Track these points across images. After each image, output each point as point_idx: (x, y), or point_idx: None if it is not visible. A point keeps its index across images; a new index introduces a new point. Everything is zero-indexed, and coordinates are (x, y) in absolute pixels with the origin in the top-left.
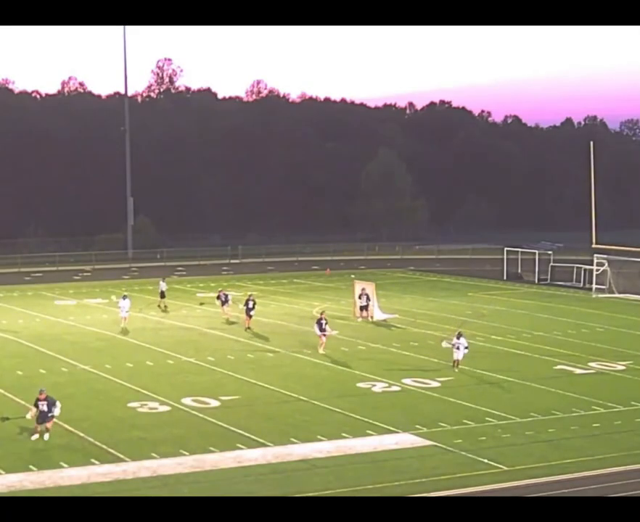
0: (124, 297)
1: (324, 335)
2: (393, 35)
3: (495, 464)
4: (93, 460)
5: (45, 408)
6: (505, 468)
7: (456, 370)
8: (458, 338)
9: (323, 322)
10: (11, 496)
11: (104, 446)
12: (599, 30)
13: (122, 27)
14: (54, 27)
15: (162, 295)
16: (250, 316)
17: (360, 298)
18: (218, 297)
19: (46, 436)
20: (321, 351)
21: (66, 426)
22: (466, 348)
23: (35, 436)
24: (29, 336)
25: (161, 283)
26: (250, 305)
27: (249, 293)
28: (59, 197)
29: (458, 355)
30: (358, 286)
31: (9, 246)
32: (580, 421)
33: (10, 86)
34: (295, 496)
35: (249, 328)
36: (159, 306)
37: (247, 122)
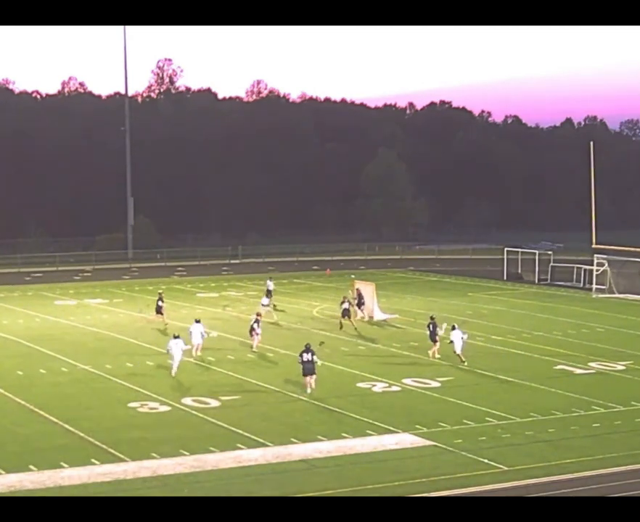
0: (197, 321)
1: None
2: (393, 36)
3: (495, 464)
4: (93, 460)
5: None
6: (505, 468)
7: (464, 364)
8: (452, 329)
9: (256, 324)
10: (11, 496)
11: (104, 446)
12: (599, 30)
13: (122, 27)
14: (54, 27)
15: (269, 294)
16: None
17: (342, 303)
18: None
19: None
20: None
21: (66, 426)
22: (462, 338)
23: None
24: (29, 336)
25: (268, 282)
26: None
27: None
28: (59, 197)
29: (457, 348)
30: (360, 288)
31: (9, 247)
32: (580, 421)
33: (10, 86)
34: (295, 496)
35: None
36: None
37: (247, 122)
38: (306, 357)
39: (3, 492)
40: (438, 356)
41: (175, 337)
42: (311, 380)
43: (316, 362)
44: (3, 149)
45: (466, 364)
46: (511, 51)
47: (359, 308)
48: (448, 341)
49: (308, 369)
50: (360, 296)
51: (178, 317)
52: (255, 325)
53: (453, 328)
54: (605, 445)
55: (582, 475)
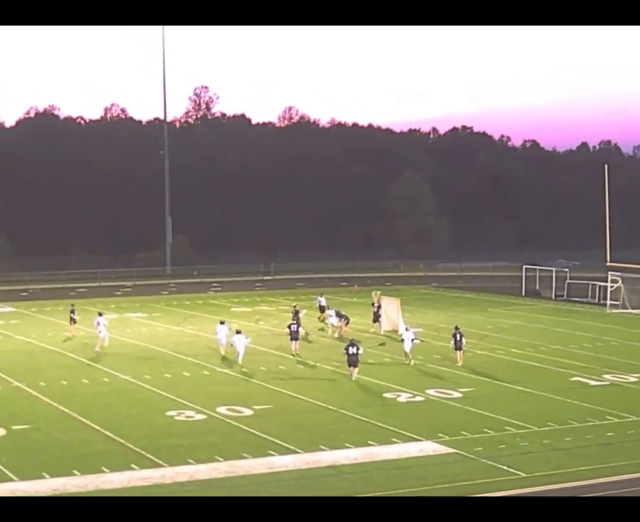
0: (221, 323)
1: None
2: (418, 65)
3: (514, 471)
4: (133, 465)
5: None
6: (523, 475)
7: (407, 363)
8: (406, 330)
9: (294, 327)
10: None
11: (143, 452)
12: (613, 59)
13: (162, 56)
14: (98, 55)
15: (322, 310)
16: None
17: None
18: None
19: None
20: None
21: (107, 433)
22: (412, 340)
23: None
24: (73, 347)
25: (320, 298)
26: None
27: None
28: (102, 217)
29: (406, 347)
30: (385, 303)
31: (55, 263)
32: (594, 430)
33: (56, 112)
34: (323, 496)
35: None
36: (319, 319)
37: (279, 147)
38: (352, 350)
39: (48, 495)
40: (461, 363)
41: (238, 332)
42: (355, 370)
43: (360, 353)
44: (49, 173)
45: (412, 364)
46: (530, 79)
47: (377, 321)
48: (400, 339)
49: (353, 360)
50: (379, 309)
51: (213, 330)
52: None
53: (407, 329)
54: (619, 453)
55: (597, 481)
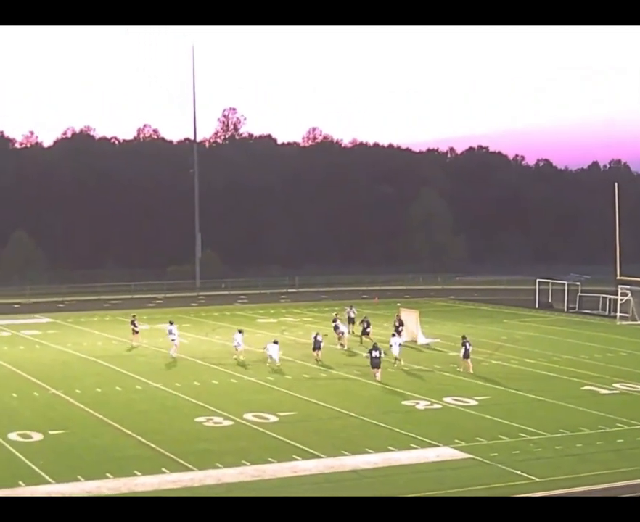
0: (239, 331)
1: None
2: (438, 88)
3: (528, 475)
4: (164, 469)
5: None
6: (536, 479)
7: (401, 364)
8: (392, 336)
9: (319, 337)
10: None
11: (173, 457)
12: (623, 80)
13: (192, 79)
14: (131, 79)
15: (352, 321)
16: (367, 333)
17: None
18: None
19: None
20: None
21: (140, 438)
22: (399, 344)
23: None
24: (107, 356)
25: (349, 310)
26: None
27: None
28: (134, 232)
29: (394, 352)
30: (405, 314)
31: (90, 276)
32: (605, 437)
33: (91, 133)
34: (345, 496)
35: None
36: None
37: (303, 166)
38: (374, 353)
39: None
40: (472, 370)
41: (275, 343)
42: (377, 371)
43: (383, 356)
44: (85, 190)
45: (400, 365)
46: (543, 100)
47: (398, 334)
48: (389, 345)
49: (376, 363)
50: (400, 324)
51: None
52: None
53: (393, 335)
54: (628, 459)
55: (607, 486)
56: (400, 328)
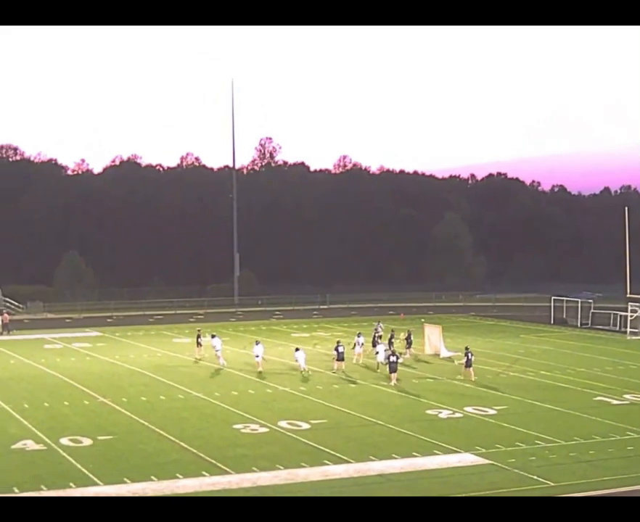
0: (257, 343)
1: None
2: (459, 118)
3: (543, 480)
4: (203, 472)
5: None
6: (552, 484)
7: (379, 370)
8: (376, 345)
9: (341, 348)
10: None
11: (212, 461)
12: (632, 112)
13: (231, 111)
14: (175, 111)
15: (379, 336)
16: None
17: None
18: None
19: None
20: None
21: (181, 444)
22: (385, 350)
23: None
24: (151, 367)
25: (377, 326)
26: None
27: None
28: (177, 252)
29: (381, 358)
30: (428, 329)
31: (136, 293)
32: (616, 445)
33: (138, 160)
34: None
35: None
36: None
37: (334, 191)
38: (392, 358)
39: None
40: (475, 378)
41: (297, 350)
42: (394, 375)
43: (401, 362)
44: (132, 213)
45: (383, 369)
46: (558, 131)
47: (408, 348)
48: (375, 352)
49: (393, 368)
50: (409, 337)
51: (275, 353)
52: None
53: (379, 343)
54: (638, 465)
55: (618, 490)
56: (409, 340)
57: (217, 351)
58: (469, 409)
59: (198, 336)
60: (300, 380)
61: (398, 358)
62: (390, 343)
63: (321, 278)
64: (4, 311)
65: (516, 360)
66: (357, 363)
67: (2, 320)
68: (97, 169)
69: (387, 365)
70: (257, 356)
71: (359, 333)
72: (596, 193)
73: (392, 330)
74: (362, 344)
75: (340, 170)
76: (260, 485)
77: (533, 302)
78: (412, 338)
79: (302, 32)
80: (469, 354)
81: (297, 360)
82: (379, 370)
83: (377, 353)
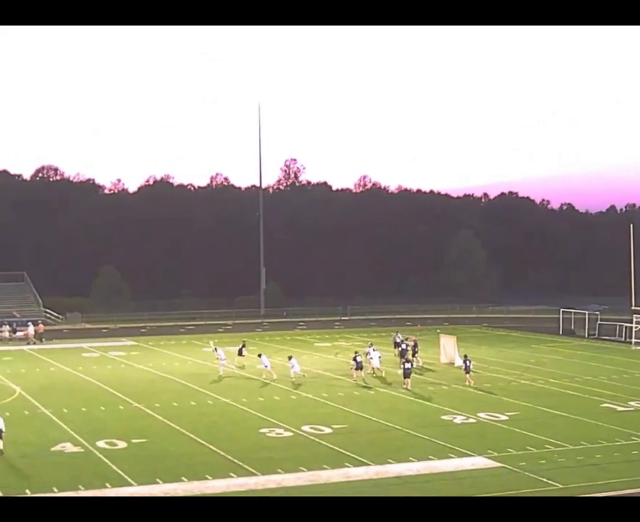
0: (290, 358)
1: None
2: (473, 141)
3: (553, 482)
4: (231, 474)
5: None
6: (560, 486)
7: (375, 375)
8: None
9: (359, 358)
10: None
11: (240, 463)
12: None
13: (258, 133)
14: (206, 134)
15: (397, 345)
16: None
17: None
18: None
19: None
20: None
21: (210, 447)
22: (379, 356)
23: None
24: (183, 375)
25: (395, 335)
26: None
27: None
28: (207, 267)
29: (375, 363)
30: (443, 339)
31: (169, 305)
32: (621, 449)
33: (170, 180)
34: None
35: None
36: (395, 355)
37: (355, 209)
38: (407, 365)
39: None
40: (472, 383)
41: (290, 358)
42: (408, 380)
43: (413, 368)
44: (165, 230)
45: (383, 374)
46: (566, 151)
47: (414, 356)
48: (369, 358)
49: (407, 373)
50: (415, 346)
51: (299, 361)
52: (357, 359)
53: (374, 350)
54: None
55: (623, 493)
56: (415, 349)
57: (222, 361)
58: (482, 415)
59: (243, 346)
60: (321, 387)
61: (412, 365)
62: (405, 351)
63: (343, 290)
64: (39, 321)
65: (527, 369)
66: (374, 375)
67: (36, 330)
68: (132, 188)
69: (402, 371)
70: (267, 366)
71: (370, 344)
72: (602, 211)
73: (406, 340)
74: (379, 356)
75: (361, 189)
76: (284, 486)
77: (543, 314)
78: (418, 347)
79: (327, 59)
80: (468, 361)
81: (292, 367)
82: (374, 375)
83: (371, 358)
